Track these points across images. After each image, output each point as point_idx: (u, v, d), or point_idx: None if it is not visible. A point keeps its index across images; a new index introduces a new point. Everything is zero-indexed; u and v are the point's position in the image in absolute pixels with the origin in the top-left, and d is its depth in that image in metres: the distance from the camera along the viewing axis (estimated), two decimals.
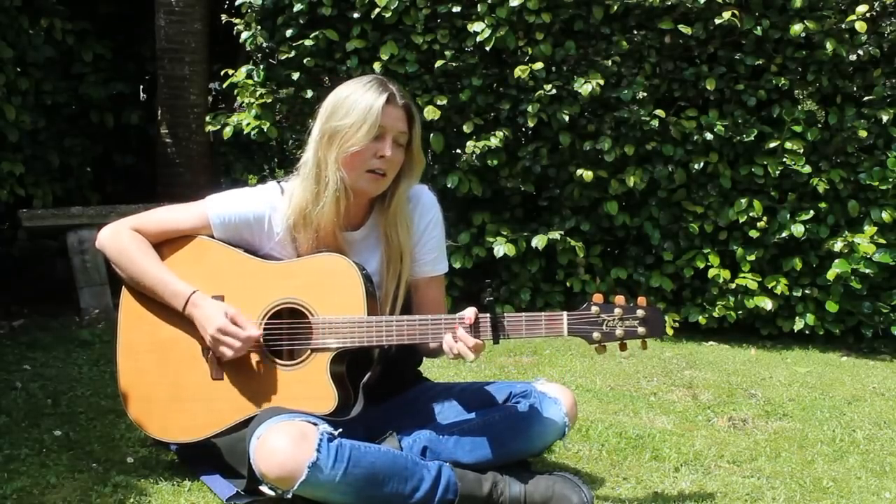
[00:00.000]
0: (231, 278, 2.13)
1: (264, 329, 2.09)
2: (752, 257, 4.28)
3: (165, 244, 2.18)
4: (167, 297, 2.11)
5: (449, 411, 2.23)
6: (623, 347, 2.05)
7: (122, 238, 2.16)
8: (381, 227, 2.19)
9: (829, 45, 4.07)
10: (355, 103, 2.06)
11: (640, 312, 2.01)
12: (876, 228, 4.17)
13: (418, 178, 2.19)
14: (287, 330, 2.09)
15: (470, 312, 2.01)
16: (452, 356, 2.02)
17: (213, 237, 2.17)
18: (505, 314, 2.03)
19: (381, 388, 2.21)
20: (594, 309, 2.02)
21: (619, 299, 2.03)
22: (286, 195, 2.15)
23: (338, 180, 2.07)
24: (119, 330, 2.19)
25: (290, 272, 2.11)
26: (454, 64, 4.26)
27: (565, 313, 2.02)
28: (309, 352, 2.07)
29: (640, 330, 2.00)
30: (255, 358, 2.09)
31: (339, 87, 2.14)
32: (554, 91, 4.17)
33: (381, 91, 2.07)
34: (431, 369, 3.18)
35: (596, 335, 2.01)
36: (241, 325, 2.06)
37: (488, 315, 2.01)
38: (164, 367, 2.14)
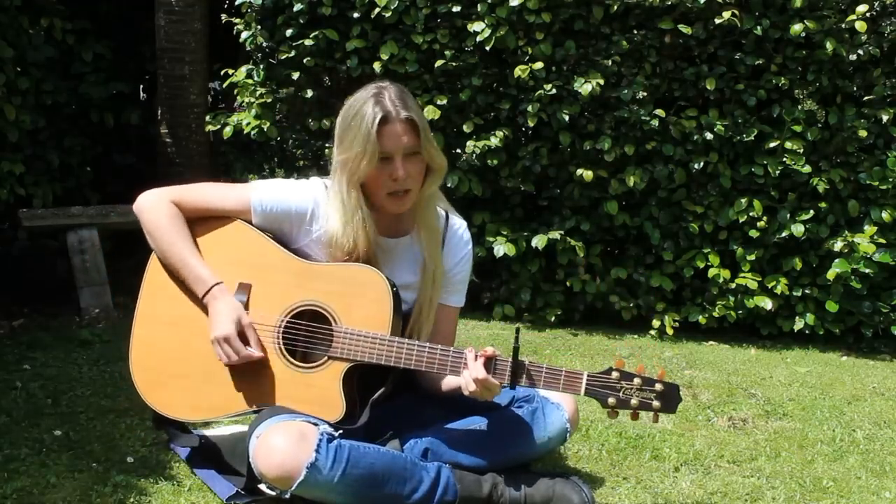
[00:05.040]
0: (262, 269, 2.12)
1: (285, 326, 2.08)
2: (752, 257, 4.28)
3: (202, 222, 2.16)
4: (190, 280, 2.11)
5: (451, 414, 2.22)
6: (635, 417, 2.02)
7: (159, 210, 2.14)
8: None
9: (829, 45, 4.07)
10: (356, 132, 2.03)
11: (658, 386, 1.99)
12: (876, 228, 4.17)
13: (442, 175, 2.15)
14: (307, 332, 2.09)
15: (490, 349, 2.02)
16: (467, 393, 2.00)
17: (250, 223, 2.16)
18: (528, 361, 2.02)
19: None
20: (614, 374, 2.00)
21: (640, 368, 2.02)
22: (329, 191, 2.13)
23: (360, 206, 2.07)
24: (140, 298, 2.18)
25: (322, 274, 2.09)
26: (454, 64, 4.26)
27: (585, 373, 2.01)
28: (325, 358, 2.06)
29: (655, 403, 1.98)
30: (270, 352, 2.08)
31: (344, 107, 2.11)
32: (554, 91, 4.17)
33: (377, 111, 2.01)
34: None
35: (611, 400, 1.99)
36: (248, 339, 2.05)
37: (509, 359, 2.00)
38: (178, 341, 2.13)
